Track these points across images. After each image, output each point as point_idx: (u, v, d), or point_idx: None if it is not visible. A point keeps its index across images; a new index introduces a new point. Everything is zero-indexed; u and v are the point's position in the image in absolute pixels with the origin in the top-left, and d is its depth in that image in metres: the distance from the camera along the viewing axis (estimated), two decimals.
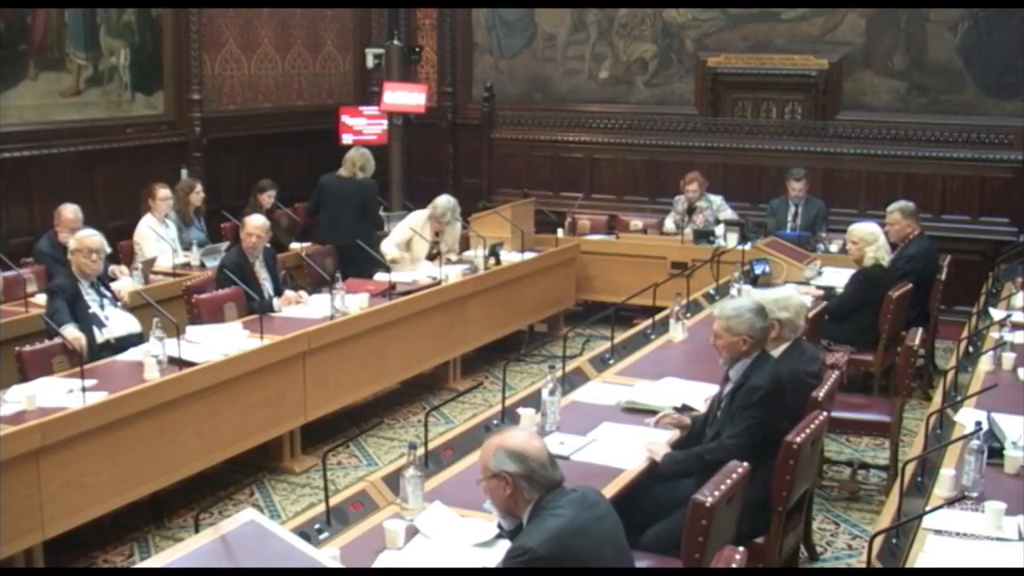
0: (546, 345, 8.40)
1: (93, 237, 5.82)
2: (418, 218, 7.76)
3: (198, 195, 8.17)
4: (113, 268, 6.70)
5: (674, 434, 4.40)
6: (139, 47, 8.84)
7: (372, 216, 8.45)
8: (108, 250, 6.00)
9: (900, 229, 7.12)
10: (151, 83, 8.99)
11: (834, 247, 8.14)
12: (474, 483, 3.22)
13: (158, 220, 7.61)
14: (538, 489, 3.00)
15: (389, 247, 7.66)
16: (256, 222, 6.51)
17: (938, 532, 3.35)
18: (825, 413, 4.23)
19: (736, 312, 4.29)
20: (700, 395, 4.72)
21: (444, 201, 7.71)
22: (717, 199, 8.95)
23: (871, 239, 6.62)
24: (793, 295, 4.83)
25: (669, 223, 9.01)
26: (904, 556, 3.25)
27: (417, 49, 10.70)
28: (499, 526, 3.28)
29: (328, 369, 6.07)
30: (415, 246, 7.68)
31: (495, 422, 4.41)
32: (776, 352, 4.55)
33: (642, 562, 3.58)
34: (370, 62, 10.61)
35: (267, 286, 6.48)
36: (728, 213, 8.84)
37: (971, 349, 5.58)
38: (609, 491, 3.68)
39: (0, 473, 4.24)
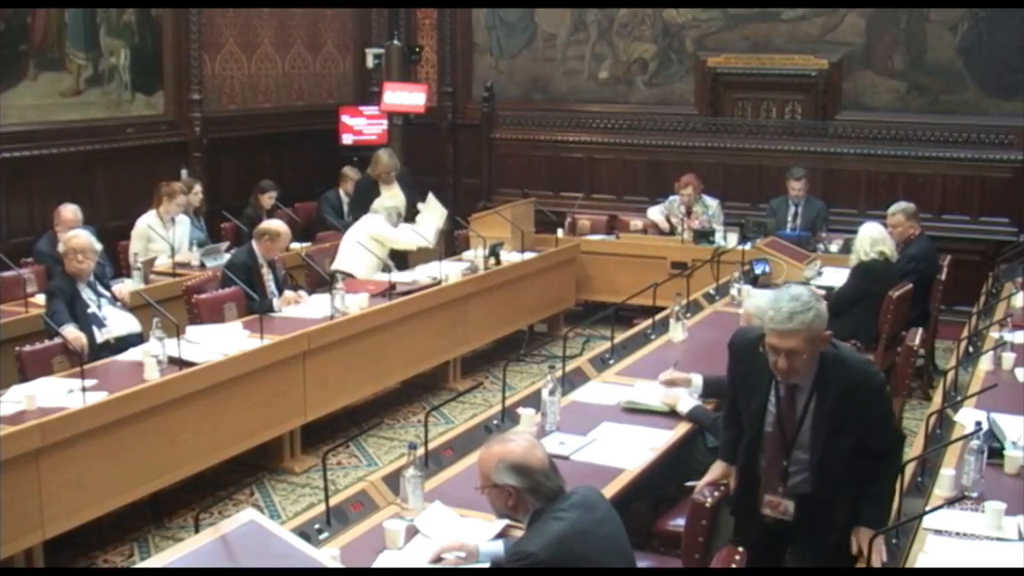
0: (546, 345, 8.40)
1: (79, 237, 5.83)
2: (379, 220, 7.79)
3: (196, 195, 8.18)
4: (117, 288, 6.55)
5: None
6: (139, 47, 8.84)
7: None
8: (99, 247, 6.00)
9: (903, 231, 7.12)
10: (151, 83, 8.99)
11: (834, 247, 8.13)
12: (473, 483, 3.22)
13: (163, 220, 7.60)
14: (541, 500, 2.99)
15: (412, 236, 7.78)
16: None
17: (938, 532, 3.34)
18: None
19: (810, 311, 3.32)
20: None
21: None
22: (714, 204, 8.93)
23: (877, 238, 6.65)
24: None
25: (654, 212, 8.99)
26: (904, 556, 3.25)
27: (417, 49, 10.71)
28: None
29: (328, 369, 6.07)
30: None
31: (495, 422, 4.41)
32: None
33: (643, 562, 3.57)
34: (370, 62, 10.61)
35: (271, 287, 6.49)
36: (721, 220, 8.83)
37: (971, 349, 5.58)
38: (609, 491, 3.68)
39: (0, 473, 4.24)
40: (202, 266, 7.45)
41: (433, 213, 8.17)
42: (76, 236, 5.86)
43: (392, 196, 8.41)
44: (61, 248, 5.81)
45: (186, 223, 7.86)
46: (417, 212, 8.33)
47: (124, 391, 4.86)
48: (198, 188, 8.27)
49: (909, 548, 3.28)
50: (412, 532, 3.37)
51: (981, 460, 3.66)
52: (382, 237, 7.61)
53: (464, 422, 5.11)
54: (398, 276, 7.08)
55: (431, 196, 8.39)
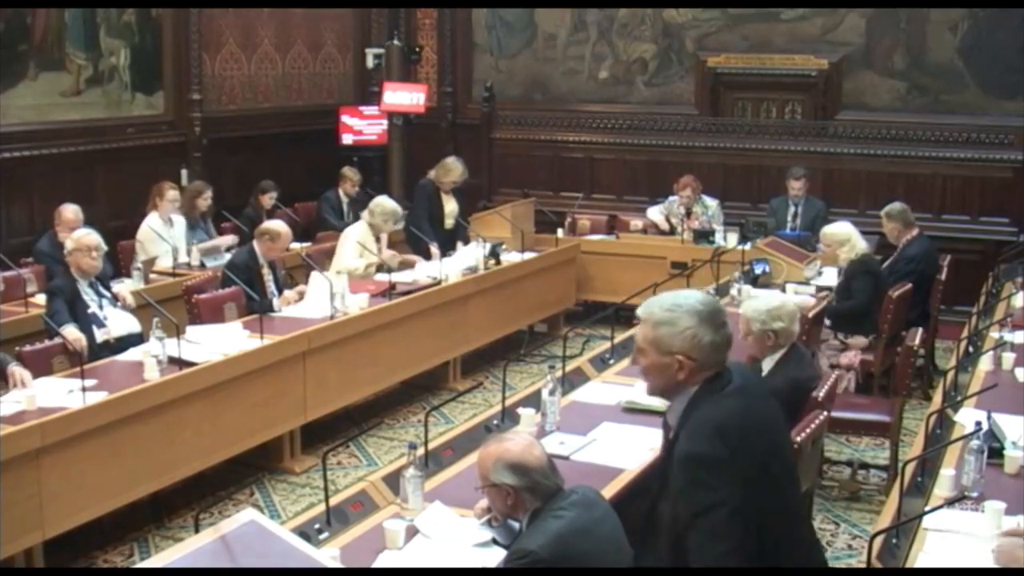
0: (546, 345, 8.40)
1: (91, 235, 5.85)
2: (359, 228, 7.45)
3: (205, 200, 8.16)
4: (117, 288, 6.49)
5: None
6: (139, 47, 8.84)
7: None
8: (105, 247, 6.01)
9: (890, 232, 7.18)
10: (151, 83, 8.99)
11: None
12: (473, 483, 3.22)
13: (162, 220, 7.61)
14: (540, 498, 3.00)
15: (351, 262, 7.27)
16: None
17: (938, 532, 3.34)
18: (825, 413, 4.22)
19: (670, 314, 2.73)
20: None
21: (389, 204, 7.43)
22: (713, 204, 8.93)
23: (844, 238, 6.63)
24: (785, 302, 4.74)
25: (654, 212, 8.99)
26: (904, 556, 3.25)
27: (417, 49, 10.71)
28: (494, 540, 3.27)
29: (328, 369, 6.07)
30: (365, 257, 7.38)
31: (495, 422, 4.41)
32: (771, 360, 4.53)
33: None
34: (370, 62, 10.62)
35: (271, 287, 6.49)
36: (721, 220, 8.83)
37: (971, 349, 5.58)
38: (609, 491, 3.68)
39: (0, 473, 4.24)
40: (202, 266, 7.45)
41: (476, 253, 7.74)
42: (88, 233, 5.87)
43: (449, 205, 8.23)
44: (70, 245, 5.80)
45: (182, 223, 7.84)
46: (457, 218, 8.21)
47: (124, 391, 4.86)
48: (208, 194, 8.20)
49: (909, 548, 3.28)
50: (412, 532, 3.37)
51: (981, 460, 3.66)
52: (339, 256, 7.36)
53: (464, 422, 5.11)
54: (398, 276, 7.07)
55: (490, 245, 7.75)
